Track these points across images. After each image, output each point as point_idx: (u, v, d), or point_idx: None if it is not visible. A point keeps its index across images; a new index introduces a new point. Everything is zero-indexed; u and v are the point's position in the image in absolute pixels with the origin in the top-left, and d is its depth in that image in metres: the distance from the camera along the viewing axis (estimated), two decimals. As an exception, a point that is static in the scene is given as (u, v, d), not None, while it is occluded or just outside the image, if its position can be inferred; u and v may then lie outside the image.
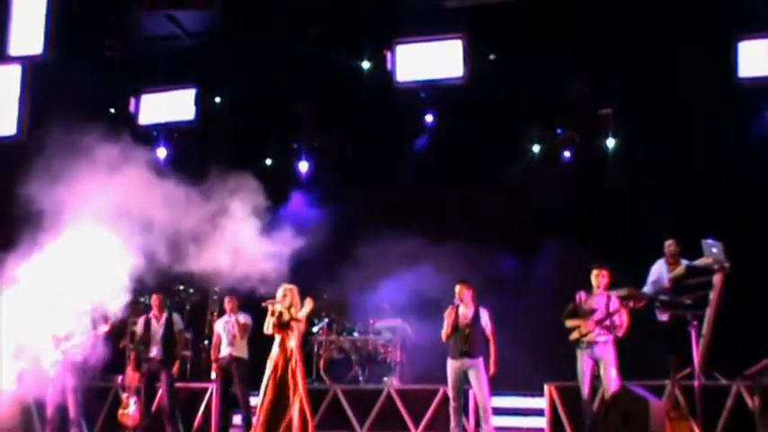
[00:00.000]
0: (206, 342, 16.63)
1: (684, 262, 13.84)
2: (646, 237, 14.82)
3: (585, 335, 12.47)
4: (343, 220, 17.43)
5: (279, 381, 12.39)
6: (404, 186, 17.51)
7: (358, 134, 17.15)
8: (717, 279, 13.21)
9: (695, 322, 12.39)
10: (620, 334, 12.50)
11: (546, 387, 13.75)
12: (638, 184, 16.06)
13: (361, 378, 16.19)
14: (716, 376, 12.99)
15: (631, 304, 12.72)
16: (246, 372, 14.25)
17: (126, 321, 15.47)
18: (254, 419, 12.46)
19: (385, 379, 16.05)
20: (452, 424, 13.06)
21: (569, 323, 12.64)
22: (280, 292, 12.68)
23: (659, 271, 13.97)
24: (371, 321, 16.80)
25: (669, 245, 14.03)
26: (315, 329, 16.69)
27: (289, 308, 12.63)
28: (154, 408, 14.83)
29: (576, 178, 16.78)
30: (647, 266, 14.07)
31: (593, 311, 12.53)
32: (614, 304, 12.52)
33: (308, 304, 12.72)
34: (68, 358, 14.53)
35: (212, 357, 14.68)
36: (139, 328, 14.89)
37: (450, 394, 13.14)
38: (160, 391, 14.76)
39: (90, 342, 14.74)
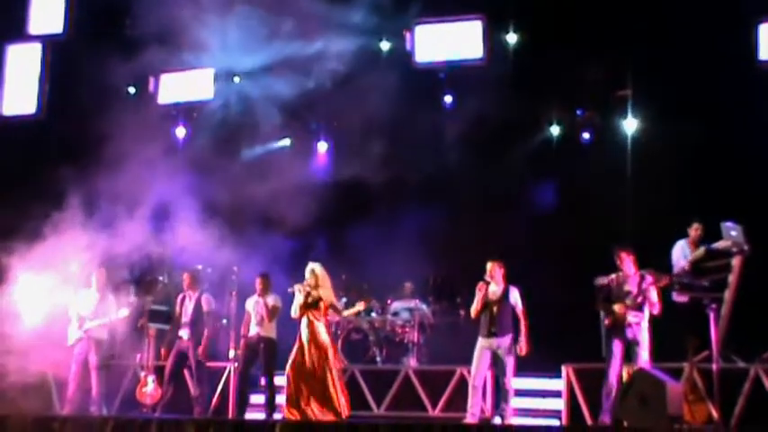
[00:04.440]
0: (224, 321, 16.66)
1: (703, 245, 13.84)
2: (665, 218, 14.77)
3: (619, 318, 12.36)
4: (361, 200, 17.49)
5: (304, 362, 12.42)
6: (422, 167, 17.50)
7: (377, 114, 17.13)
8: (736, 262, 13.17)
9: (714, 305, 12.35)
10: (655, 311, 12.37)
11: (563, 368, 13.74)
12: (657, 166, 15.98)
13: (378, 359, 16.24)
14: (734, 359, 12.98)
15: (663, 282, 12.65)
16: (273, 352, 14.24)
17: (144, 301, 15.51)
18: (284, 399, 12.53)
19: (402, 359, 16.10)
20: (469, 403, 12.91)
21: (604, 308, 12.51)
22: (307, 272, 12.73)
23: (682, 252, 13.94)
24: (388, 301, 16.84)
25: (696, 228, 13.99)
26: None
27: (315, 286, 12.64)
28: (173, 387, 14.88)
29: (595, 159, 16.72)
30: (666, 248, 14.04)
31: (628, 293, 12.43)
32: (647, 282, 12.40)
33: (360, 306, 12.85)
34: (92, 337, 14.61)
35: (241, 333, 14.65)
36: (177, 307, 14.90)
37: (473, 373, 12.96)
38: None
39: (113, 323, 14.82)
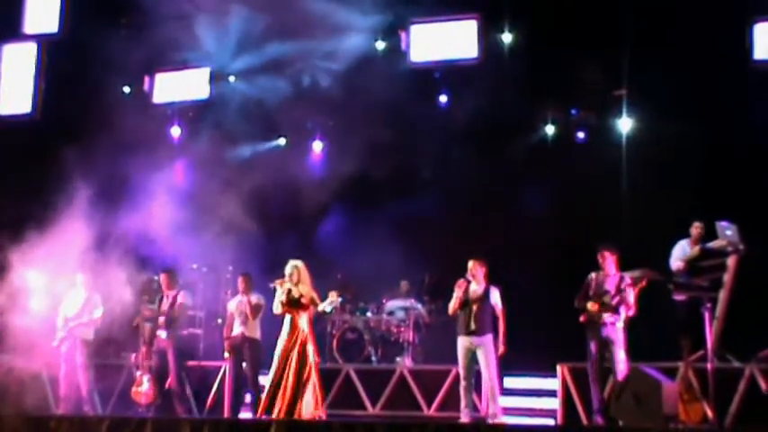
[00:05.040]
0: (219, 321, 16.67)
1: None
2: (660, 218, 14.78)
3: (593, 316, 12.41)
4: (356, 199, 17.48)
5: (288, 360, 12.35)
6: (417, 166, 17.52)
7: (372, 113, 17.14)
8: (731, 261, 13.20)
9: (709, 304, 12.37)
10: (630, 313, 12.43)
11: (558, 367, 13.75)
12: (653, 166, 16.00)
13: (373, 358, 16.22)
14: (729, 358, 13.00)
15: (643, 283, 12.66)
16: (258, 351, 14.24)
17: (139, 300, 15.50)
18: (262, 397, 12.46)
19: (397, 359, 16.08)
20: (462, 403, 12.95)
21: (581, 305, 12.58)
22: (288, 269, 12.66)
23: (681, 251, 13.95)
24: (384, 300, 16.83)
25: (696, 227, 14.01)
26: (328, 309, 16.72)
27: (297, 284, 12.57)
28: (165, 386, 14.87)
29: (590, 159, 16.72)
30: (661, 247, 14.05)
31: (605, 293, 12.48)
32: (626, 283, 12.46)
33: (332, 297, 12.76)
34: (77, 337, 14.60)
35: (224, 335, 14.67)
36: (157, 307, 14.94)
37: (461, 373, 13.04)
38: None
39: (99, 322, 14.82)
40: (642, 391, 11.23)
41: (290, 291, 12.52)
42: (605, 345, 12.39)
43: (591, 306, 12.39)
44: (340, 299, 13.21)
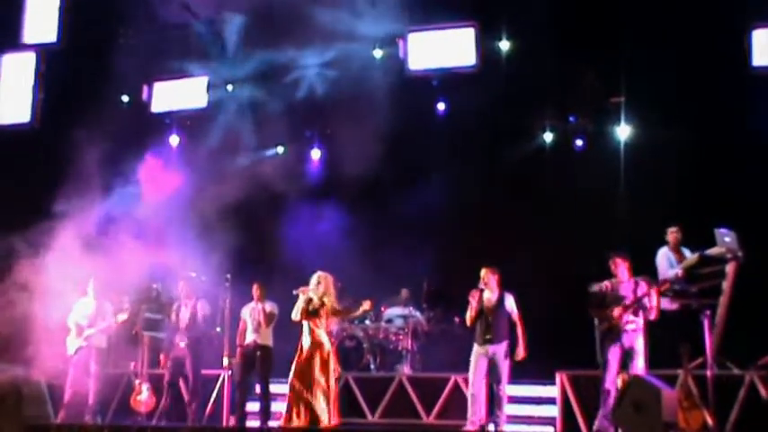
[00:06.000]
0: (218, 329, 16.64)
1: (685, 251, 13.85)
2: (658, 225, 14.78)
3: (616, 323, 12.40)
4: (355, 207, 17.47)
5: (306, 369, 12.32)
6: (415, 174, 17.51)
7: (371, 121, 17.15)
8: (730, 268, 13.17)
9: (708, 312, 12.36)
10: (652, 317, 12.38)
11: (558, 375, 13.73)
12: (651, 173, 16.00)
13: (372, 366, 16.20)
14: (729, 366, 12.97)
15: (667, 285, 12.67)
16: (270, 359, 14.27)
17: (138, 308, 15.50)
18: (284, 406, 12.41)
19: (396, 367, 16.07)
20: (470, 411, 12.91)
21: (597, 314, 12.55)
22: (314, 280, 12.62)
23: (667, 259, 13.94)
24: (382, 308, 16.82)
25: (672, 232, 14.02)
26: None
27: (322, 296, 12.54)
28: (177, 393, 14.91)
29: (588, 166, 16.72)
30: (658, 255, 14.06)
31: (622, 299, 12.45)
32: (642, 289, 12.45)
33: (366, 305, 12.77)
34: (93, 345, 14.62)
35: (237, 342, 14.59)
36: (173, 315, 14.93)
37: (471, 382, 12.99)
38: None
39: (113, 328, 14.86)
40: (642, 399, 11.19)
41: (310, 300, 12.49)
42: (626, 354, 12.38)
43: (615, 312, 12.35)
44: (372, 307, 13.25)
